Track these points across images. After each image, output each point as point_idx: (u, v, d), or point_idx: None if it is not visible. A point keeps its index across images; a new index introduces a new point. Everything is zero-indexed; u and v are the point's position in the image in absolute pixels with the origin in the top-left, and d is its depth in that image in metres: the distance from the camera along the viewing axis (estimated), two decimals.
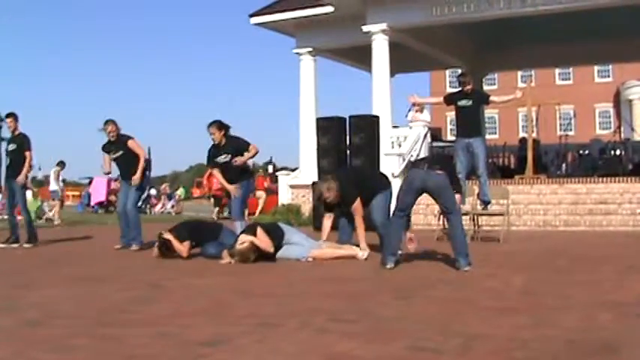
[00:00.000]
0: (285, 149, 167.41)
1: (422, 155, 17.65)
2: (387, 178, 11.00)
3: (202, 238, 10.33)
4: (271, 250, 9.43)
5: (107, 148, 12.45)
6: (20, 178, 12.85)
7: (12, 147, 12.97)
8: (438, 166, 8.53)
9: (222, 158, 11.33)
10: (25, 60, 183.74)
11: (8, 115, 13.04)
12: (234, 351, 4.35)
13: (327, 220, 10.37)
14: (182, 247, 10.13)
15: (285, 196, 21.65)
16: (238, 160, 11.16)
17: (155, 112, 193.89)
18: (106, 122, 12.33)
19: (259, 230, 9.52)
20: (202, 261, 9.85)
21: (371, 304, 5.97)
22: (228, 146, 11.30)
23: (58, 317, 5.55)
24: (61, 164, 24.64)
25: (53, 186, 24.24)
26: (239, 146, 11.32)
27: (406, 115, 20.05)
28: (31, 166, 13.40)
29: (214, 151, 11.41)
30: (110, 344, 4.58)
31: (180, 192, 42.99)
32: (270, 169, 51.53)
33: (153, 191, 37.86)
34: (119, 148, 12.30)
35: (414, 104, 18.58)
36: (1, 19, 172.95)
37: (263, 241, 9.40)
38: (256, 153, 11.40)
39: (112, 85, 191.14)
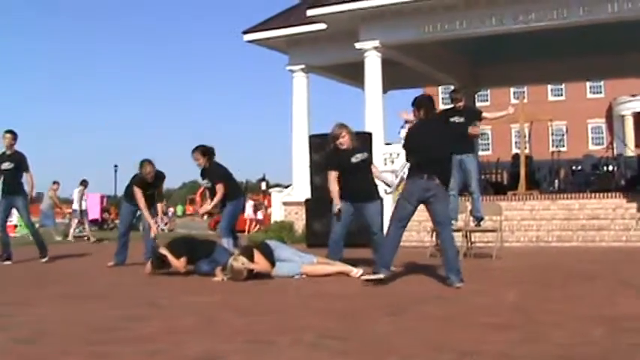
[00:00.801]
0: (278, 166, 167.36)
1: None
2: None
3: (196, 254, 10.28)
4: (270, 270, 9.42)
5: (144, 185, 12.32)
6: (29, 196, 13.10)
7: (8, 165, 12.89)
8: (436, 176, 8.50)
9: (204, 183, 11.78)
10: (16, 77, 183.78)
11: (8, 132, 13.00)
12: None
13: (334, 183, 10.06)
14: (179, 264, 10.10)
15: (278, 213, 21.64)
16: (202, 210, 12.17)
17: (148, 128, 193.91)
18: (143, 163, 12.20)
19: (256, 253, 9.48)
20: (195, 278, 9.83)
21: (363, 320, 5.98)
22: (209, 174, 11.60)
23: (51, 335, 5.55)
24: (85, 183, 24.81)
25: (75, 205, 24.34)
26: (214, 177, 11.55)
27: (399, 132, 20.08)
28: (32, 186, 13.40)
29: (201, 172, 11.77)
30: None
31: (178, 209, 42.97)
32: (264, 185, 51.56)
33: None
34: (155, 187, 12.46)
35: (406, 121, 18.62)
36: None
37: (261, 264, 9.38)
38: (220, 197, 11.39)
39: (105, 101, 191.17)
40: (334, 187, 9.88)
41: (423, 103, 8.96)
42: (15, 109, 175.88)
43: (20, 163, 12.91)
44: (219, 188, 11.35)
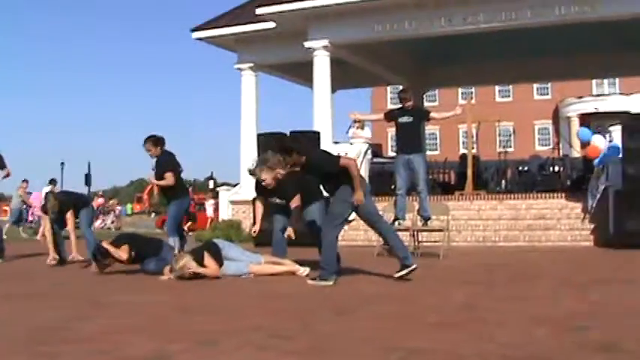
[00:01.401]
0: (225, 165, 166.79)
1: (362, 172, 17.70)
2: None
3: (142, 252, 10.16)
4: (218, 274, 9.33)
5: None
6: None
7: None
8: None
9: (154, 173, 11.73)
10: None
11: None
12: None
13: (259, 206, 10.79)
14: (119, 251, 9.92)
15: (225, 212, 21.56)
16: (154, 182, 11.71)
17: (95, 125, 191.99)
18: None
19: (206, 256, 9.37)
20: (142, 277, 9.74)
21: (311, 320, 5.96)
22: (160, 164, 11.58)
23: None
24: (54, 182, 24.85)
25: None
26: (163, 166, 11.52)
27: (347, 132, 20.12)
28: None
29: (156, 163, 11.69)
30: None
31: (127, 208, 42.63)
32: (211, 184, 51.38)
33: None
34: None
35: (355, 121, 18.69)
36: None
37: (211, 268, 9.29)
38: (169, 182, 11.41)
39: (49, 97, 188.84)
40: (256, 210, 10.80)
41: (294, 146, 8.83)
42: None
43: None
44: (169, 176, 11.35)
